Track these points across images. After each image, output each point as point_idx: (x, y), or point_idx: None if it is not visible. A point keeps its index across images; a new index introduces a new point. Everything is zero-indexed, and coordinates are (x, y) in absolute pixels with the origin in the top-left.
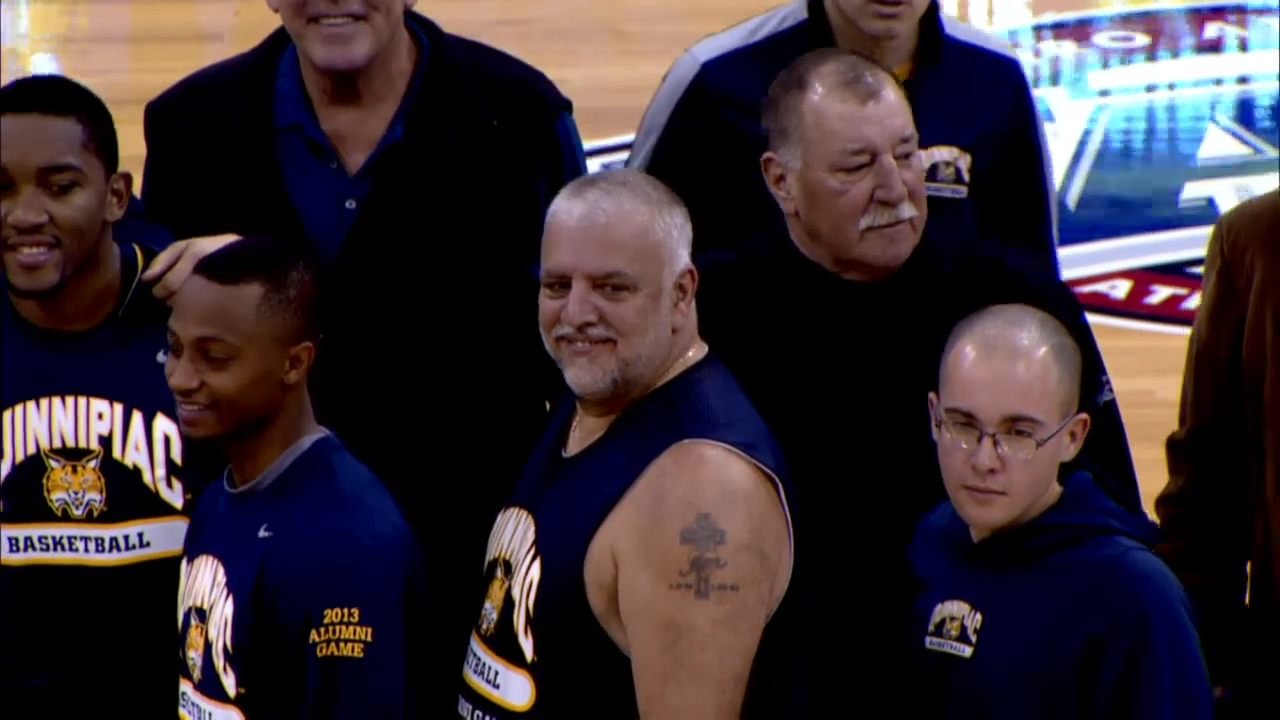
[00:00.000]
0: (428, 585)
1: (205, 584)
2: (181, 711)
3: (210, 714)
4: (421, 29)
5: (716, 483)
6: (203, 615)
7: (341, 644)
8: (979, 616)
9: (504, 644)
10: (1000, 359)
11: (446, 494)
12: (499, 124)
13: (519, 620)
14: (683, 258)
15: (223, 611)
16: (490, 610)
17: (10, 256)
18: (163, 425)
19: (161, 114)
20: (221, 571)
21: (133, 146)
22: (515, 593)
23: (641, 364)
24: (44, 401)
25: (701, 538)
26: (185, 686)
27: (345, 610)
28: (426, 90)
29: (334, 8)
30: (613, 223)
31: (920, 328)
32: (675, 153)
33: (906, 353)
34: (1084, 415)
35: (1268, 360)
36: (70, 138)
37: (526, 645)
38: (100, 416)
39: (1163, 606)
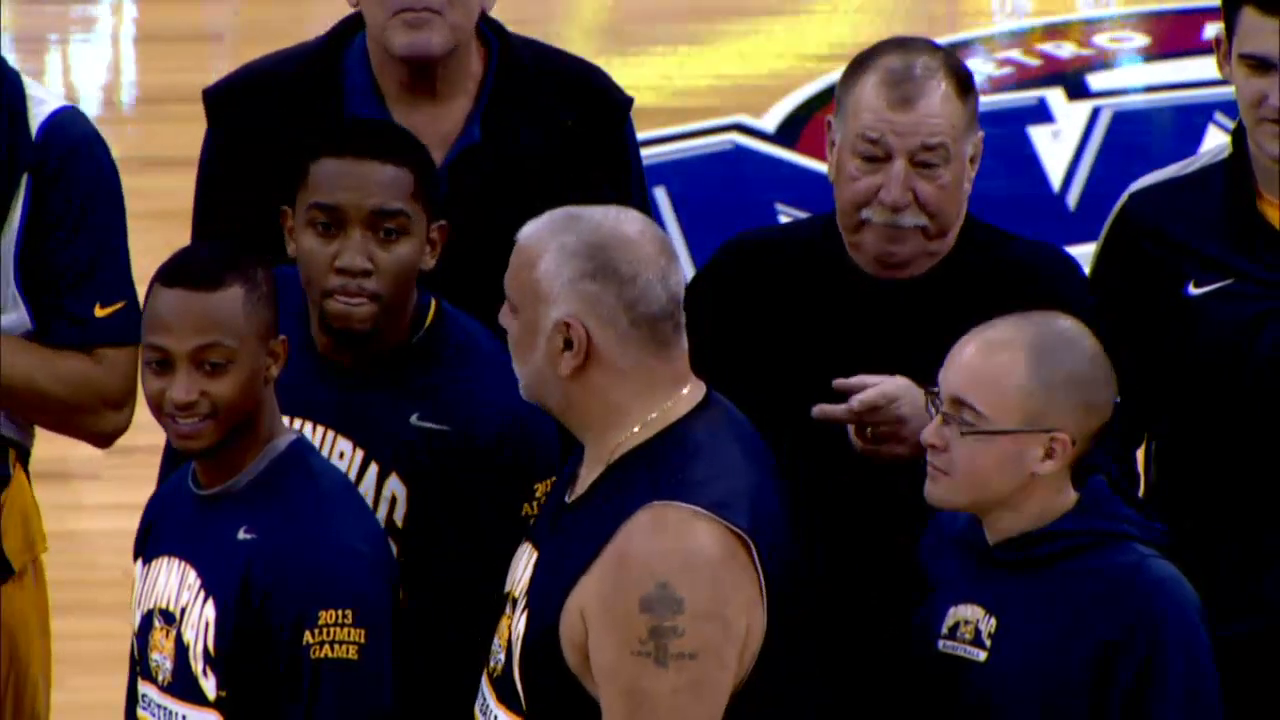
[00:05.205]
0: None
1: (171, 586)
2: (142, 713)
3: (184, 716)
4: (489, 28)
5: (677, 549)
6: (170, 618)
7: (336, 645)
8: (993, 621)
9: (505, 689)
10: (974, 345)
11: None
12: (573, 124)
13: (515, 666)
14: (566, 309)
15: (201, 614)
16: (498, 649)
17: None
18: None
19: (224, 102)
20: (192, 574)
21: (137, 144)
22: (513, 636)
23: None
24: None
25: (659, 606)
26: (147, 688)
27: (339, 612)
28: (499, 90)
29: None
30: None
31: (936, 329)
32: (1103, 276)
33: (918, 352)
34: (1064, 435)
35: None
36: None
37: (520, 693)
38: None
39: (1177, 614)
